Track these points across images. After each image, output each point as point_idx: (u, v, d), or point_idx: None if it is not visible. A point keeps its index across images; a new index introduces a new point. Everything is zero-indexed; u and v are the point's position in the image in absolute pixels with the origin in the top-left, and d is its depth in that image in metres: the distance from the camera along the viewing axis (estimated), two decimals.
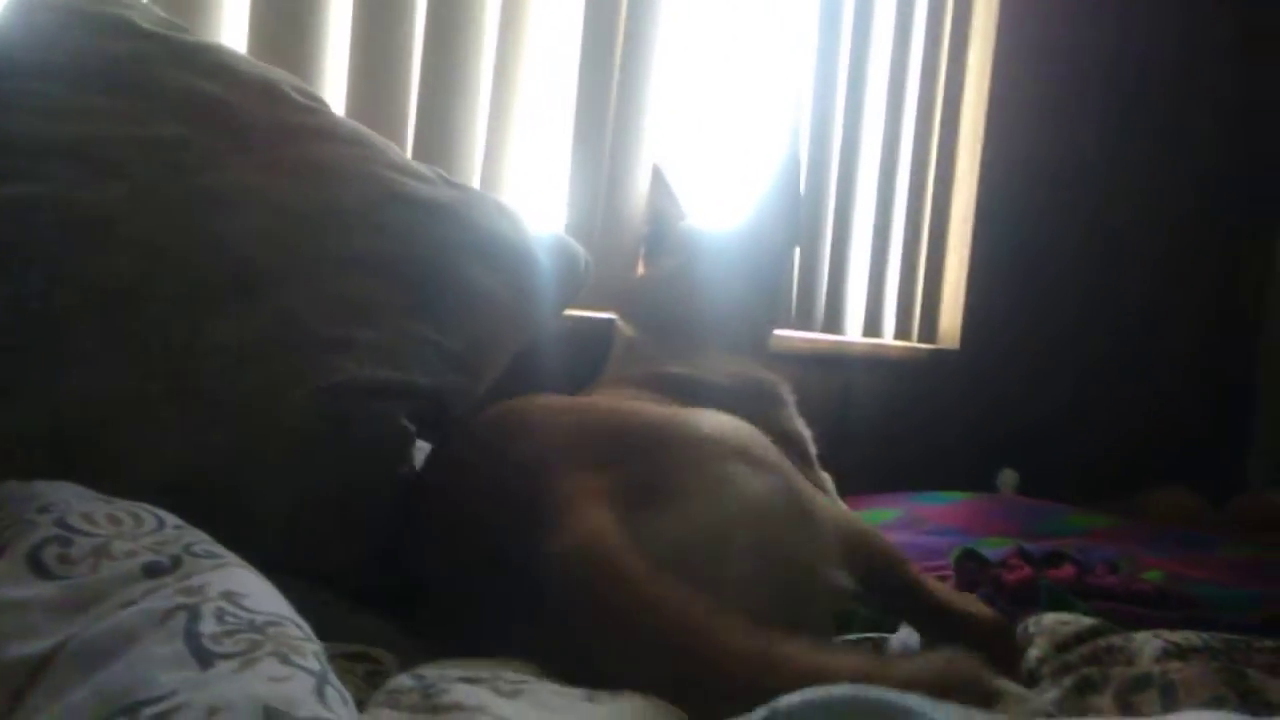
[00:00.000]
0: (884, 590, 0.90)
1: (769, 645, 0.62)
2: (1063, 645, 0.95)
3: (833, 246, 1.96)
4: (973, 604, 0.96)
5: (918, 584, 0.92)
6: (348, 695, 0.49)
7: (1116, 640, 0.93)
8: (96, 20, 1.00)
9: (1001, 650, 0.88)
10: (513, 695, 0.57)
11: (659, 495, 0.77)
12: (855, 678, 0.56)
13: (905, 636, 0.96)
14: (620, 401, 0.95)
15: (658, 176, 1.64)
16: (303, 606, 0.59)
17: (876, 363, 2.04)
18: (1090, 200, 2.33)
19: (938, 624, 0.91)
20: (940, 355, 2.15)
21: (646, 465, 0.80)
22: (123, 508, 0.62)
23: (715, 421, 0.88)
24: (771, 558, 0.77)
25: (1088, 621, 0.98)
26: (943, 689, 0.57)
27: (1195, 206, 2.48)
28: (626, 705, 0.59)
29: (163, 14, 1.07)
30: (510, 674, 0.61)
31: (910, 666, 0.63)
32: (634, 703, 0.60)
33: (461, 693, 0.56)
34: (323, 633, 0.57)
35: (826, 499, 0.88)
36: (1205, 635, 0.93)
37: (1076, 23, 2.27)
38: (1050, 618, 1.01)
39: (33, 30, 0.97)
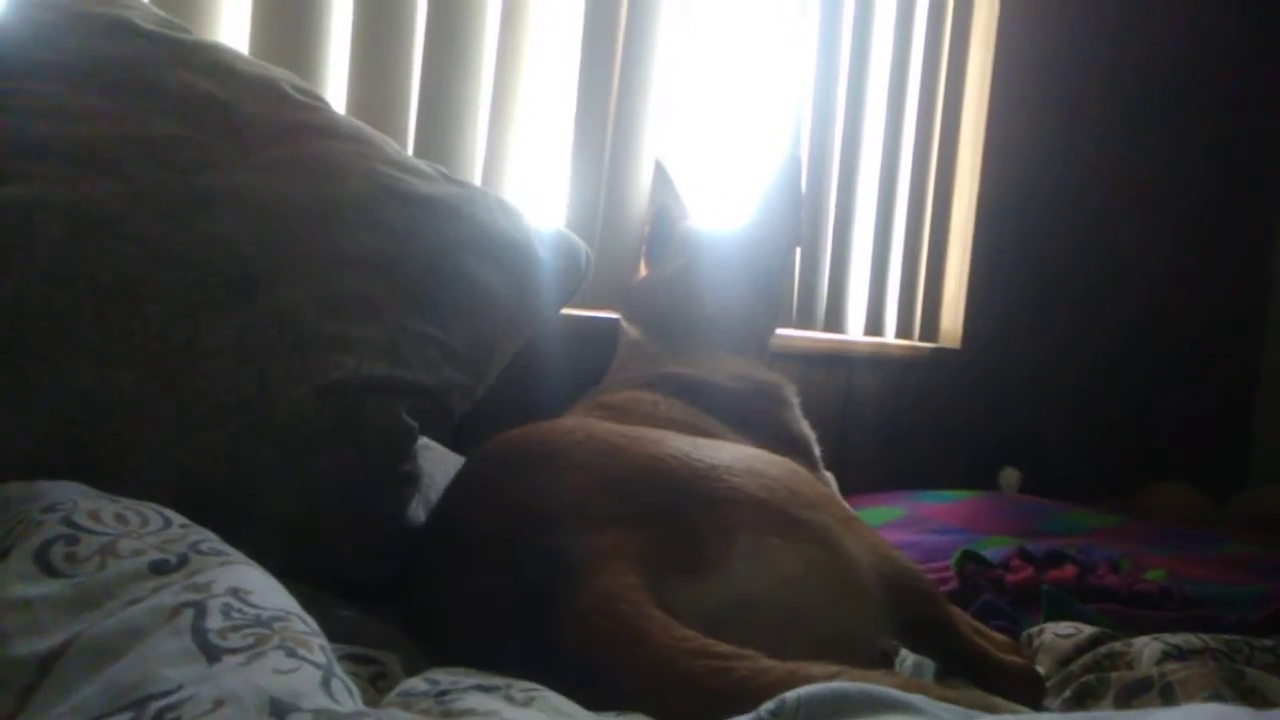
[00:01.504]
0: (920, 632, 0.86)
1: (797, 670, 0.61)
2: (1064, 659, 0.96)
3: (834, 246, 1.97)
4: (1005, 650, 0.93)
5: (952, 626, 0.88)
6: (354, 688, 0.49)
7: (1117, 646, 0.94)
8: (96, 20, 1.00)
9: (1029, 699, 0.86)
10: (525, 704, 0.57)
11: (690, 562, 0.74)
12: None
13: (917, 662, 0.95)
14: (663, 440, 0.88)
15: (660, 172, 1.64)
16: (307, 609, 0.59)
17: (878, 362, 2.04)
18: (1090, 199, 2.34)
19: (967, 667, 0.88)
20: (942, 354, 2.16)
21: (679, 527, 0.76)
22: (129, 506, 0.62)
23: (760, 479, 0.82)
24: (808, 632, 0.74)
25: (1088, 631, 0.99)
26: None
27: (1196, 205, 2.49)
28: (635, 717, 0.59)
29: (163, 14, 1.07)
30: (522, 683, 0.61)
31: (939, 690, 0.62)
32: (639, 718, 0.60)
33: (475, 699, 0.55)
34: (328, 636, 0.57)
35: (864, 542, 0.83)
36: (1205, 636, 0.94)
37: (1076, 24, 2.28)
38: (1050, 631, 1.01)
39: (32, 30, 0.97)
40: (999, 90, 2.17)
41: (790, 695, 0.50)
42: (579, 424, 0.94)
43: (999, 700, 0.80)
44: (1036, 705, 0.88)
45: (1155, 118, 2.41)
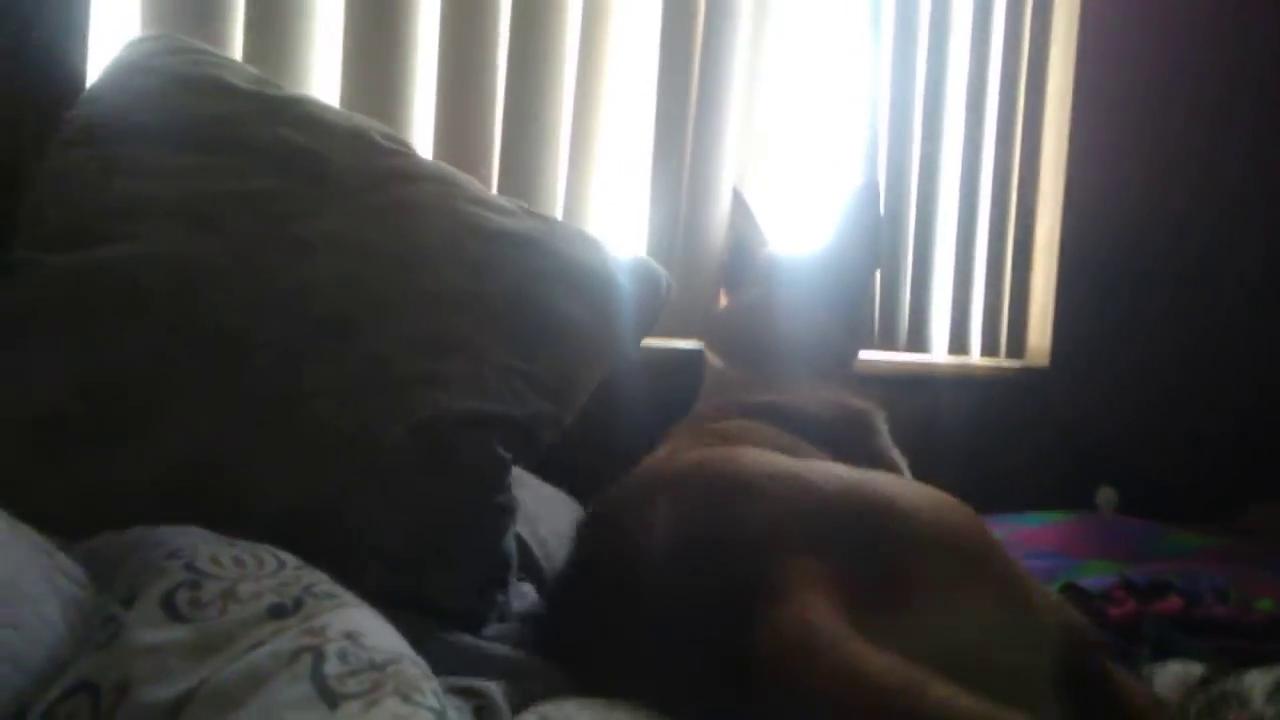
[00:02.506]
0: (1082, 684, 0.84)
1: (1009, 713, 0.61)
2: (1177, 704, 0.93)
3: (915, 264, 1.94)
4: (1153, 705, 0.90)
5: (1111, 677, 0.86)
6: None
7: (1229, 685, 0.91)
8: (194, 82, 1.05)
9: None
10: None
11: (887, 601, 0.72)
12: None
13: None
14: (847, 477, 0.86)
15: (738, 200, 1.65)
16: (408, 635, 0.60)
17: (963, 382, 2.01)
18: (1180, 211, 2.27)
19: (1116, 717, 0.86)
20: (1029, 372, 2.11)
21: (877, 564, 0.75)
22: (246, 550, 0.64)
23: (950, 521, 0.81)
24: (997, 686, 0.70)
25: (1197, 671, 0.96)
26: None
27: None
28: None
29: (256, 71, 1.12)
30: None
31: None
32: None
33: None
34: (431, 664, 0.59)
35: (1040, 593, 0.81)
36: None
37: (1162, 22, 2.21)
38: (1159, 678, 0.99)
39: (135, 94, 1.03)
40: (1081, 96, 2.12)
41: None
42: (761, 455, 0.93)
43: None
44: None
45: (1247, 118, 2.32)
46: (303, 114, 1.08)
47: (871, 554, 0.75)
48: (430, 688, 0.51)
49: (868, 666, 0.64)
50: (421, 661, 0.55)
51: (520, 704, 0.74)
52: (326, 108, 1.14)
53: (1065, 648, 0.79)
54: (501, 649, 0.86)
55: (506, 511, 1.00)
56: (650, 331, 1.27)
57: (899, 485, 0.86)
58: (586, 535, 0.94)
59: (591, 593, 0.87)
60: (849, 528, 0.77)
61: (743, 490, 0.83)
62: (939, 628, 0.72)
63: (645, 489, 0.91)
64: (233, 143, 1.01)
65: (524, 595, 1.00)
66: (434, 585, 0.94)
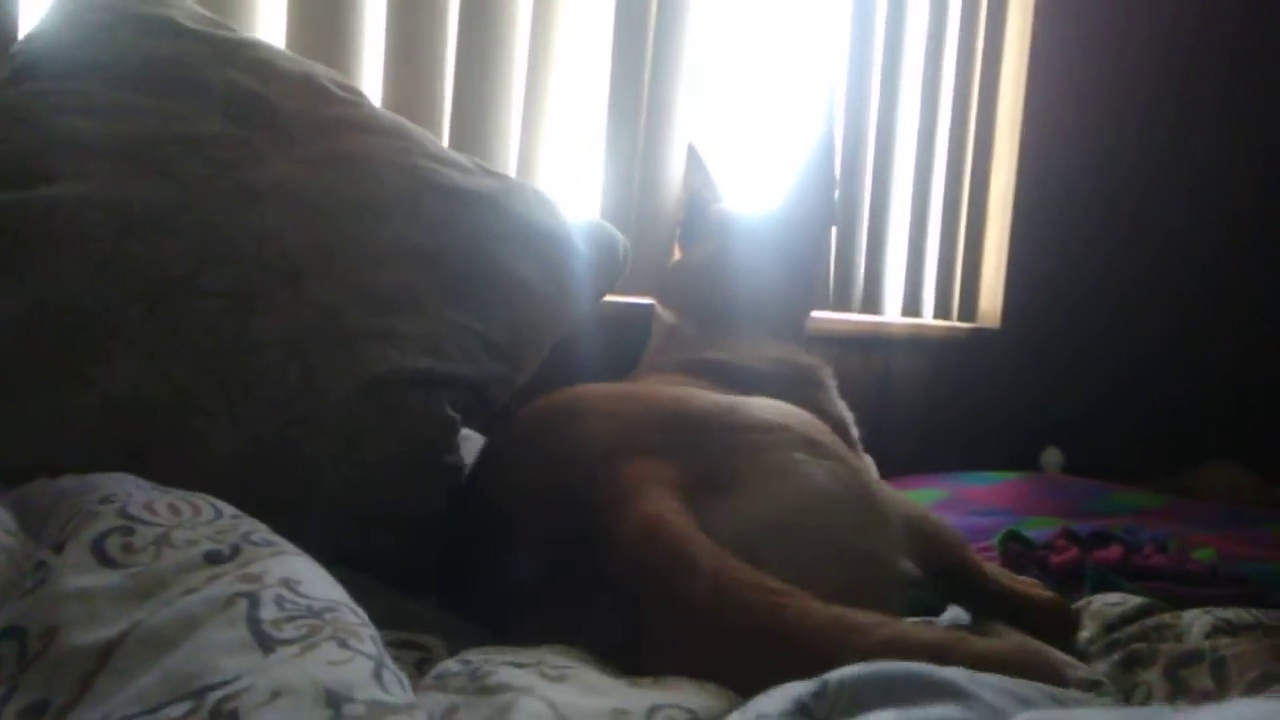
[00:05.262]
0: (943, 574, 0.90)
1: (842, 616, 0.62)
2: (1111, 626, 0.96)
3: (870, 225, 1.95)
4: (1030, 586, 0.97)
5: (977, 568, 0.92)
6: (404, 678, 0.50)
7: (1165, 618, 0.94)
8: (141, 20, 1.01)
9: (1058, 629, 0.90)
10: (558, 679, 0.58)
11: (722, 484, 0.75)
12: (930, 650, 0.56)
13: (954, 616, 0.96)
14: (679, 389, 0.92)
15: (693, 156, 1.64)
16: (352, 595, 0.60)
17: (916, 343, 2.03)
18: (1142, 174, 2.28)
19: (996, 606, 0.91)
20: (981, 334, 2.13)
21: (708, 453, 0.78)
22: (181, 498, 0.63)
23: (776, 409, 0.86)
24: (838, 545, 0.76)
25: (1136, 600, 0.99)
26: (1012, 667, 0.57)
27: (1257, 180, 2.41)
28: (671, 687, 0.60)
29: (206, 13, 1.09)
30: (555, 659, 0.62)
31: (984, 644, 0.63)
32: (678, 684, 0.60)
33: (508, 674, 0.57)
34: (373, 621, 0.58)
35: (886, 485, 0.87)
36: (1257, 612, 0.93)
37: None
38: (1099, 600, 1.01)
39: (79, 31, 0.99)
40: (1039, 56, 2.12)
41: (832, 677, 0.50)
42: (597, 386, 0.98)
43: (1044, 650, 0.81)
44: (1069, 635, 0.92)
45: (1215, 88, 2.33)
46: (253, 58, 1.05)
47: (705, 445, 0.79)
48: (369, 634, 0.51)
49: (714, 566, 0.66)
50: (360, 610, 0.55)
51: None
52: (278, 52, 1.11)
53: (915, 537, 0.84)
54: (443, 611, 0.86)
55: (454, 472, 0.99)
56: (606, 295, 1.27)
57: (730, 397, 0.91)
58: (473, 475, 0.98)
59: (473, 528, 0.90)
60: (680, 428, 0.82)
61: (578, 414, 0.88)
62: (777, 498, 0.76)
63: (514, 429, 0.94)
64: (181, 84, 0.98)
65: None
66: (379, 545, 0.93)
